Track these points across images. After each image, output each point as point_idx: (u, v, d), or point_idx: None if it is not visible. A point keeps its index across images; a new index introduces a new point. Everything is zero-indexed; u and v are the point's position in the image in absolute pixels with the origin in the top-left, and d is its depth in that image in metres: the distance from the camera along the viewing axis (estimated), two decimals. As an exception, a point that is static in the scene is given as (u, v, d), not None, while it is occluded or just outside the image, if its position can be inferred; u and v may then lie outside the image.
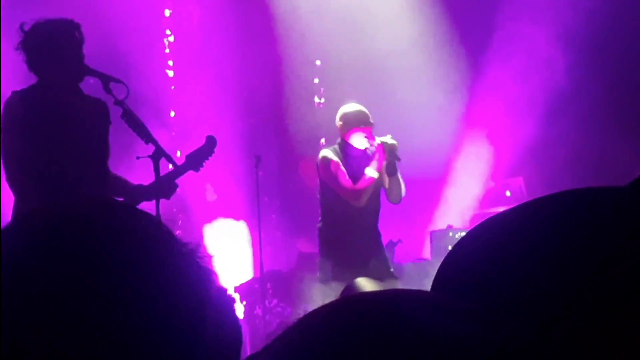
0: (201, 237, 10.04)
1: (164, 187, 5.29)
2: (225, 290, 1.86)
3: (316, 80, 10.09)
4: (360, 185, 6.89)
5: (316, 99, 9.97)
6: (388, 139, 6.93)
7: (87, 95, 5.33)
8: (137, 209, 1.19)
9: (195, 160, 5.40)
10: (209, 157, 5.47)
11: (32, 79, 5.18)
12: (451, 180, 10.26)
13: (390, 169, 7.01)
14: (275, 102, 10.19)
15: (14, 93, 5.10)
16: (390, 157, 6.94)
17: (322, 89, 9.98)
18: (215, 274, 1.17)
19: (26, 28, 5.08)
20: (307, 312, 0.73)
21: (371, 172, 6.90)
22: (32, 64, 5.10)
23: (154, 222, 1.16)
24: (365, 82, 9.13)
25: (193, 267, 1.13)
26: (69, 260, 1.05)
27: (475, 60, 10.05)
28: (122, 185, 5.46)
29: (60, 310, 1.03)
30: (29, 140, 4.97)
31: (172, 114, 10.14)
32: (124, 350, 1.03)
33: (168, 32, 10.29)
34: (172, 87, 10.35)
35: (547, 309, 0.84)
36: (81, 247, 1.07)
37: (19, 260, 1.06)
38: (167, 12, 10.40)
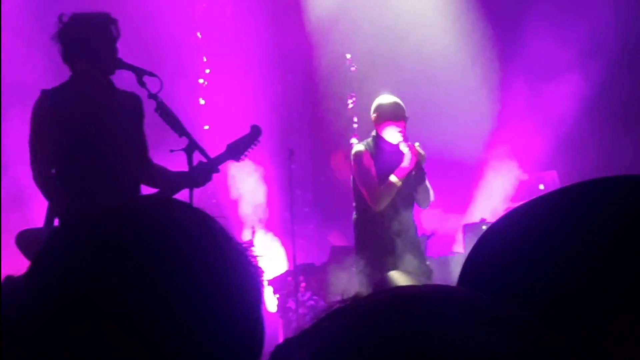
0: (238, 229, 10.07)
1: (201, 174, 5.27)
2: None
3: (352, 69, 10.07)
4: (382, 190, 6.81)
5: (348, 94, 9.95)
6: (416, 148, 6.86)
7: (120, 89, 5.34)
8: (196, 208, 1.21)
9: (237, 149, 5.36)
10: (252, 147, 5.44)
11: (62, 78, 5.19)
12: (485, 174, 10.21)
13: (419, 178, 6.93)
14: (308, 95, 10.19)
15: (44, 92, 5.11)
16: (417, 167, 6.86)
17: (354, 83, 9.96)
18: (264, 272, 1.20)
19: (65, 20, 5.11)
20: (341, 303, 0.73)
21: (395, 180, 6.82)
22: (67, 56, 5.12)
23: (212, 220, 1.20)
24: (398, 77, 9.10)
25: (248, 264, 1.15)
26: (143, 257, 1.09)
27: (507, 56, 10.00)
28: (164, 174, 5.45)
29: (131, 303, 1.07)
30: (66, 136, 4.98)
31: (203, 101, 10.15)
32: (185, 339, 1.06)
33: (201, 26, 10.31)
34: (205, 83, 10.37)
35: (575, 306, 0.83)
36: (150, 243, 1.11)
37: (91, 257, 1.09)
38: (200, 7, 10.42)
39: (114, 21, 5.16)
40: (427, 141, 7.26)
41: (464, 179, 10.05)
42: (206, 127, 9.99)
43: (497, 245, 0.94)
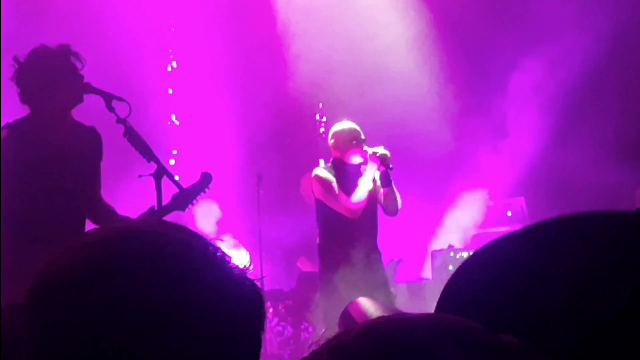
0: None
1: None
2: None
3: (319, 104, 10.09)
4: (354, 196, 6.91)
5: (317, 117, 9.97)
6: (380, 149, 6.96)
7: (79, 124, 5.29)
8: (195, 232, 1.21)
9: (184, 199, 5.29)
10: (202, 195, 5.37)
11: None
12: (452, 200, 10.25)
13: (385, 180, 7.03)
14: (276, 120, 10.20)
15: (5, 126, 5.06)
16: (383, 166, 6.96)
17: (323, 107, 9.98)
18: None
19: (21, 59, 5.04)
20: (337, 334, 0.73)
21: (365, 183, 6.92)
22: (26, 98, 5.05)
23: (211, 243, 1.21)
24: (366, 99, 9.13)
25: (246, 285, 1.13)
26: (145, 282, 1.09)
27: (479, 75, 10.05)
28: (112, 216, 5.41)
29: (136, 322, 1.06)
30: (14, 179, 4.93)
31: (176, 121, 10.14)
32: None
33: (170, 50, 10.30)
34: (173, 117, 10.35)
35: (561, 341, 0.83)
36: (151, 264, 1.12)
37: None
38: (171, 30, 10.42)
39: (73, 53, 5.09)
40: (396, 167, 7.29)
41: (432, 205, 10.08)
42: (174, 152, 9.97)
43: (479, 277, 0.94)
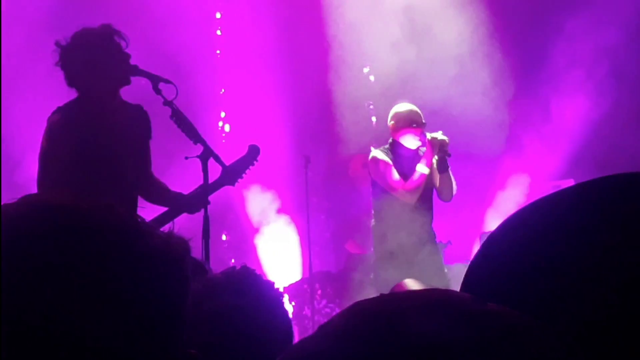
0: (252, 237, 10.07)
1: (197, 200, 5.24)
2: (273, 284, 1.88)
3: (370, 78, 10.06)
4: (411, 182, 6.88)
5: (366, 101, 9.93)
6: (439, 135, 6.92)
7: (127, 103, 5.31)
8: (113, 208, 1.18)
9: (233, 173, 5.31)
10: (250, 168, 5.39)
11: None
12: (503, 182, 10.18)
13: (442, 166, 6.99)
14: (325, 102, 10.18)
15: (56, 110, 5.11)
16: (441, 153, 6.92)
17: (373, 90, 9.94)
18: (200, 266, 1.16)
19: (63, 43, 5.07)
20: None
21: (422, 168, 6.89)
22: (71, 80, 5.07)
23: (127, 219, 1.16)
24: (414, 87, 9.08)
25: (169, 256, 1.12)
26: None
27: (523, 66, 9.97)
28: (164, 193, 5.43)
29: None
30: (70, 158, 4.96)
31: (223, 114, 10.17)
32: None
33: (219, 32, 10.33)
34: (222, 90, 10.38)
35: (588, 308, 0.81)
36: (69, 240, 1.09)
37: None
38: (218, 14, 10.44)
39: (116, 31, 5.11)
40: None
41: (482, 186, 10.02)
42: (222, 123, 10.00)
43: (496, 252, 0.93)
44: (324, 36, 9.97)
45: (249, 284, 1.82)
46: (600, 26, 9.56)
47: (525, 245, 0.89)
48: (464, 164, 8.97)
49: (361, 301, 0.72)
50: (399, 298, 0.70)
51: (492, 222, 9.95)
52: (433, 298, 0.70)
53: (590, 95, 9.73)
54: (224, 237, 9.82)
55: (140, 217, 1.20)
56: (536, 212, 0.94)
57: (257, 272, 1.94)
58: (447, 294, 0.71)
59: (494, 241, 0.94)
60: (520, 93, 9.80)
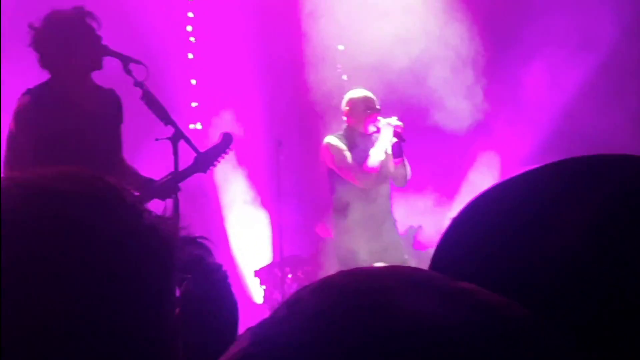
0: (223, 221, 10.04)
1: (167, 187, 5.23)
2: (219, 266, 1.87)
3: (338, 68, 10.04)
4: (365, 167, 6.88)
5: (343, 76, 9.89)
6: (394, 120, 6.93)
7: (99, 87, 5.30)
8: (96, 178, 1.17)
9: (205, 161, 5.29)
10: (223, 156, 5.37)
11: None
12: (473, 166, 10.21)
13: (396, 151, 7.00)
14: (297, 86, 10.16)
15: (26, 91, 5.08)
16: (395, 138, 6.93)
17: (345, 75, 9.92)
18: (176, 244, 1.14)
19: (36, 25, 5.04)
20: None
21: (376, 153, 6.89)
22: (44, 62, 5.06)
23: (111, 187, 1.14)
24: (386, 70, 9.07)
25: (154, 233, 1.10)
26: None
27: (502, 42, 9.97)
28: (135, 178, 5.41)
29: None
30: (38, 141, 4.93)
31: (194, 104, 10.11)
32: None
33: (190, 14, 10.26)
34: (192, 75, 10.33)
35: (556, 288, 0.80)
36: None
37: None
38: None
39: (88, 13, 5.09)
40: (415, 134, 7.27)
41: (452, 170, 10.04)
42: (192, 125, 9.95)
43: (461, 235, 0.91)
44: (297, 17, 9.94)
45: (194, 267, 1.80)
46: (576, 6, 9.58)
47: (488, 228, 0.87)
48: (433, 149, 9.00)
49: (330, 277, 0.69)
50: (373, 274, 0.68)
51: (460, 207, 9.94)
52: (410, 274, 0.68)
53: (563, 75, 9.76)
54: (193, 221, 9.77)
55: (135, 194, 1.19)
56: (502, 194, 0.92)
57: (210, 255, 1.92)
58: (419, 272, 0.69)
59: (458, 224, 0.92)
60: (491, 72, 9.80)
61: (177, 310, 1.11)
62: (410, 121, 7.27)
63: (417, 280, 0.66)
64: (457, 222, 0.93)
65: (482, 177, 9.97)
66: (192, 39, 10.25)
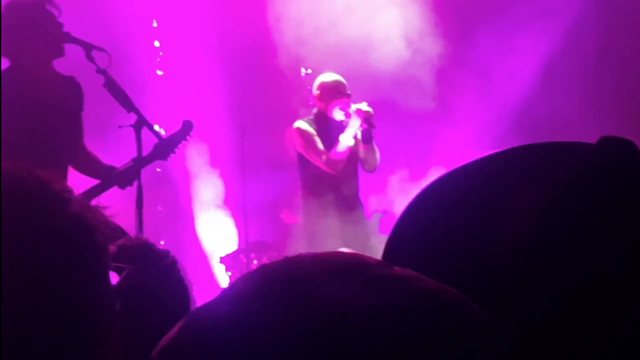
0: (188, 208, 10.02)
1: (128, 175, 5.22)
2: (166, 253, 1.88)
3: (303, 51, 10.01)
4: (334, 153, 6.89)
5: (303, 70, 9.90)
6: (363, 106, 6.93)
7: (60, 75, 5.27)
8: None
9: (166, 148, 5.28)
10: (183, 143, 5.36)
11: None
12: (438, 151, 10.23)
13: (366, 137, 7.01)
14: (261, 72, 10.14)
15: None
16: (365, 124, 6.94)
17: (308, 60, 9.91)
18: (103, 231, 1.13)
19: None
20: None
21: (346, 139, 6.90)
22: (3, 50, 5.02)
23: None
24: (350, 54, 9.05)
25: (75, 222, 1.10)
26: None
27: (467, 29, 10.00)
28: (96, 166, 5.40)
29: None
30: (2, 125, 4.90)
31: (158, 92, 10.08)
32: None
33: (154, 3, 10.21)
34: (158, 59, 10.29)
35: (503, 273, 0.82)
36: None
37: None
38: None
39: (49, 1, 5.05)
40: (382, 120, 7.28)
41: (418, 157, 10.06)
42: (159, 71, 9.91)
43: (415, 221, 0.93)
44: (262, 4, 9.91)
45: (141, 253, 1.81)
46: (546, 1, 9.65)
47: (439, 215, 0.90)
48: (398, 134, 9.02)
49: (266, 264, 0.72)
50: (305, 261, 0.70)
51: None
52: (341, 262, 0.70)
53: (528, 62, 9.81)
54: (159, 208, 9.75)
55: (63, 184, 1.18)
56: (452, 181, 0.94)
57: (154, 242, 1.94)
58: (354, 258, 0.72)
59: (410, 211, 0.94)
60: (457, 58, 9.82)
61: (116, 298, 1.11)
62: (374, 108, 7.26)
63: (344, 268, 0.68)
64: (409, 210, 0.95)
65: (445, 166, 10.01)
66: (155, 23, 10.22)
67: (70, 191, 1.17)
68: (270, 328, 0.65)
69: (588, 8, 9.49)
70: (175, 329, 0.69)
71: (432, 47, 9.54)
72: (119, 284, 1.70)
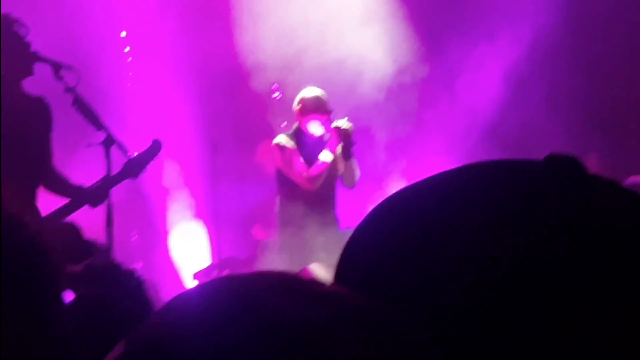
0: (160, 224, 10.00)
1: (97, 194, 5.21)
2: (133, 272, 1.89)
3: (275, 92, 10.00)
4: (313, 169, 6.89)
5: (274, 94, 9.88)
6: (344, 123, 6.93)
7: (28, 96, 5.25)
8: None
9: (136, 166, 5.27)
10: (151, 162, 5.35)
11: None
12: (411, 168, 10.25)
13: (346, 154, 7.02)
14: (233, 87, 10.14)
15: None
16: (345, 141, 6.95)
17: (278, 74, 9.91)
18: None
19: None
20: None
21: (325, 156, 6.91)
22: None
23: None
24: (322, 73, 9.07)
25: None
26: None
27: (438, 46, 10.04)
28: (64, 186, 5.39)
29: None
30: None
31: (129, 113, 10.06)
32: None
33: (124, 20, 10.20)
34: (128, 78, 10.27)
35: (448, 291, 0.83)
36: None
37: None
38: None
39: (15, 20, 5.04)
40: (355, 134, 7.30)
41: (388, 172, 10.07)
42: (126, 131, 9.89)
43: (369, 239, 0.93)
44: (232, 17, 9.92)
45: (107, 273, 1.83)
46: (512, 10, 9.69)
47: (393, 232, 0.91)
48: (369, 149, 9.03)
49: (215, 279, 0.73)
50: (249, 278, 0.72)
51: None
52: (285, 279, 0.72)
53: (498, 77, 9.85)
54: (132, 228, 9.73)
55: (20, 207, 1.19)
56: (407, 198, 0.95)
57: (121, 262, 1.96)
58: (299, 276, 0.73)
59: (364, 228, 0.95)
60: (426, 74, 9.85)
61: (70, 319, 1.12)
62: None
63: (287, 284, 0.70)
64: (363, 226, 0.96)
65: (413, 179, 10.00)
66: (127, 49, 10.20)
67: (27, 214, 1.18)
68: (209, 339, 0.66)
69: (556, 16, 9.54)
70: (121, 344, 0.71)
71: (402, 62, 9.57)
72: (73, 304, 1.71)
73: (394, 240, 0.90)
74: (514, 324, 0.80)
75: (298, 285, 0.70)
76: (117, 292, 1.84)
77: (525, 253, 0.83)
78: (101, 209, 5.30)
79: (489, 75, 9.85)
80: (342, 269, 0.94)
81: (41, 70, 5.25)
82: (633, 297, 0.81)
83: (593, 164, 8.18)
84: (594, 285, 0.81)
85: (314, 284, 0.71)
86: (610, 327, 0.80)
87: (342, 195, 7.47)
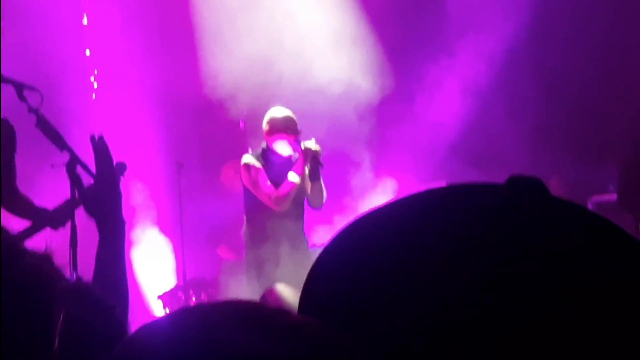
0: (125, 245, 9.93)
1: (58, 216, 5.19)
2: (103, 298, 1.88)
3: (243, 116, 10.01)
4: (281, 190, 6.89)
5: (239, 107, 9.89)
6: (312, 144, 6.94)
7: None
8: None
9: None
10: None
11: None
12: (379, 186, 10.27)
13: (314, 175, 7.02)
14: (197, 108, 10.14)
15: None
16: (313, 162, 6.95)
17: (245, 97, 9.92)
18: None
19: None
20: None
21: (293, 177, 6.90)
22: None
23: None
24: (287, 90, 9.08)
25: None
26: None
27: (402, 66, 10.08)
28: (27, 208, 5.37)
29: None
30: None
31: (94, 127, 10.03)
32: None
33: (89, 40, 10.18)
34: (94, 96, 10.24)
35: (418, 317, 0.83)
36: None
37: None
38: (85, 20, 10.27)
39: None
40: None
41: (357, 193, 10.09)
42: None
43: (332, 262, 0.94)
44: (197, 39, 9.92)
45: (80, 296, 1.81)
46: (475, 24, 9.75)
47: (355, 256, 0.91)
48: (335, 168, 9.04)
49: (183, 309, 0.74)
50: (214, 309, 0.72)
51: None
52: (247, 310, 0.72)
53: (460, 93, 9.91)
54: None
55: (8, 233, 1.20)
56: (369, 222, 0.96)
57: (90, 285, 1.94)
58: (254, 306, 0.74)
59: (328, 252, 0.95)
60: (388, 91, 9.88)
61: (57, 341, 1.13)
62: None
63: (244, 316, 0.70)
64: (325, 255, 0.96)
65: (384, 198, 10.04)
66: (95, 72, 10.17)
67: (21, 242, 1.18)
68: None
69: (516, 29, 9.62)
70: None
71: (367, 82, 9.61)
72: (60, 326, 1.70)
73: (354, 269, 0.90)
74: (475, 348, 0.80)
75: (263, 317, 0.70)
76: (90, 314, 1.83)
77: (484, 277, 0.83)
78: (65, 231, 5.26)
79: (450, 91, 9.91)
80: (306, 297, 0.94)
81: (4, 91, 5.21)
82: (596, 319, 0.82)
83: (555, 185, 8.24)
84: (551, 306, 0.82)
85: (278, 315, 0.71)
86: (570, 345, 0.81)
87: (311, 213, 7.47)
